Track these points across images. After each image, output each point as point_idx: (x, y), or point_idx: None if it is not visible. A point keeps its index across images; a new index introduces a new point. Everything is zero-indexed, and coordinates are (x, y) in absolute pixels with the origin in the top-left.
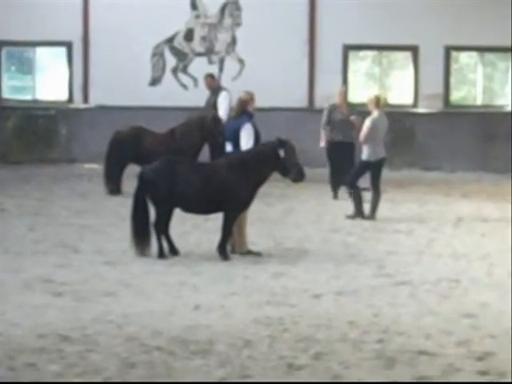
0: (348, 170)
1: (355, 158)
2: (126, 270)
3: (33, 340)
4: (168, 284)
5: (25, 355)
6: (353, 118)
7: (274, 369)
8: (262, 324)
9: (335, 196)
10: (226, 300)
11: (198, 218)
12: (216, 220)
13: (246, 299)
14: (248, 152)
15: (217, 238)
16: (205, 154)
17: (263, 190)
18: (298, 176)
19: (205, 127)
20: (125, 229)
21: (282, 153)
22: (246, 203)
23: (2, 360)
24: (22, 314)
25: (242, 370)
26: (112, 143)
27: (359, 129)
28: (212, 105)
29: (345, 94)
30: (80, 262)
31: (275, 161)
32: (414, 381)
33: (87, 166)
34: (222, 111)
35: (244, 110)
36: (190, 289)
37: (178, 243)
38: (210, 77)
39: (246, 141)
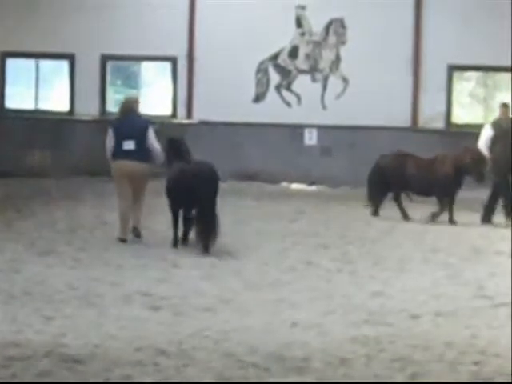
0: None
1: None
2: (225, 286)
3: (130, 353)
4: (266, 300)
5: (121, 368)
6: None
7: None
8: (358, 343)
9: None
10: (324, 318)
11: (299, 235)
12: (323, 237)
13: (343, 318)
14: None
15: (317, 256)
16: None
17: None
18: None
19: (463, 163)
20: (220, 244)
21: None
22: None
23: (98, 372)
24: (120, 326)
25: None
26: (375, 168)
27: None
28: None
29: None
30: (179, 276)
31: None
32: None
33: None
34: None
35: None
36: (288, 306)
37: (275, 260)
38: (504, 106)
39: None
